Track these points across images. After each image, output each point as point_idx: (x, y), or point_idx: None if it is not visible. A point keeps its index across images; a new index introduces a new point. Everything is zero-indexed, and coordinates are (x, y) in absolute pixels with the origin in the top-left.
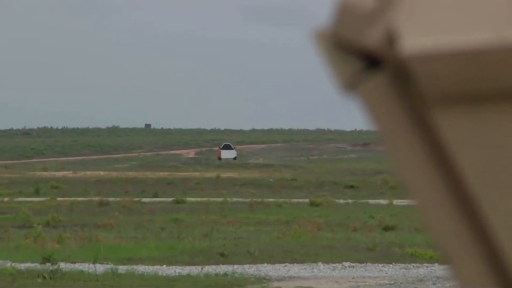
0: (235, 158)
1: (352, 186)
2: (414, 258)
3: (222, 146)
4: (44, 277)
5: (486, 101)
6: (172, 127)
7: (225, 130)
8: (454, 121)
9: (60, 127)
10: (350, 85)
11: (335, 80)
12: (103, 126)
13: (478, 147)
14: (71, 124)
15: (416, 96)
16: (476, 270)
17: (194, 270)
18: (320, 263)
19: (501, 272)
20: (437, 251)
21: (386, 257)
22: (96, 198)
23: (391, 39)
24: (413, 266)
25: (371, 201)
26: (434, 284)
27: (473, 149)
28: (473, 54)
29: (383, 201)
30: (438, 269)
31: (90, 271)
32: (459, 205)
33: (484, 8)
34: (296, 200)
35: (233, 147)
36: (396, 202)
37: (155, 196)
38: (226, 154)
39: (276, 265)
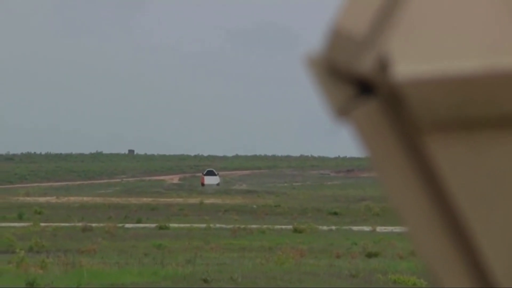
0: (218, 184)
1: (335, 213)
2: (397, 284)
3: (205, 172)
4: None
5: (478, 128)
6: (155, 153)
7: (208, 156)
8: (446, 148)
9: (43, 153)
10: (343, 111)
11: (327, 106)
12: (87, 152)
13: (471, 173)
14: (54, 150)
15: (408, 122)
16: None
17: None
18: None
19: None
20: (428, 276)
21: (369, 284)
22: (79, 224)
23: (383, 65)
24: None
25: (355, 228)
26: None
27: (465, 175)
28: (465, 80)
29: (366, 228)
30: None
31: None
32: (451, 230)
33: (476, 34)
34: (279, 226)
35: (216, 173)
36: (379, 229)
37: (139, 222)
38: (210, 180)
39: None
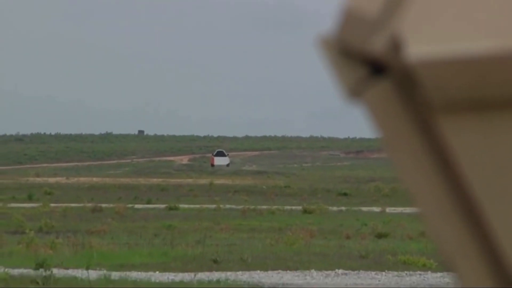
0: (228, 165)
1: (345, 194)
2: (407, 266)
3: (215, 152)
4: (37, 283)
5: (491, 109)
6: (165, 134)
7: (218, 137)
8: (459, 129)
9: (53, 133)
10: (355, 92)
11: (339, 87)
12: (97, 133)
13: (483, 154)
14: (64, 130)
15: (421, 103)
16: (479, 275)
17: (187, 277)
18: (313, 270)
19: (503, 277)
20: (441, 257)
21: (379, 265)
22: (89, 204)
23: (396, 46)
24: (406, 274)
25: (364, 209)
26: None
27: (478, 156)
28: (478, 61)
29: (376, 209)
30: (431, 277)
31: (83, 277)
32: (463, 212)
33: (489, 15)
34: (289, 207)
35: (226, 153)
36: (389, 209)
37: (148, 202)
38: (219, 161)
39: (269, 272)
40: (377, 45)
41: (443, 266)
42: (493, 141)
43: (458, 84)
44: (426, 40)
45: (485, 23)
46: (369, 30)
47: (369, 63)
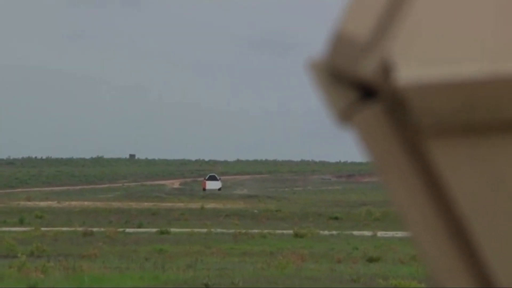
0: (219, 189)
1: (336, 218)
2: None
3: (207, 177)
4: None
5: (481, 133)
6: (156, 158)
7: (209, 160)
8: (449, 152)
9: (44, 157)
10: (345, 116)
11: (330, 111)
12: (88, 156)
13: (473, 178)
14: (55, 154)
15: (411, 127)
16: None
17: None
18: None
19: None
20: (430, 281)
21: None
22: (80, 228)
23: (386, 69)
24: None
25: (356, 233)
26: None
27: (468, 180)
28: (469, 85)
29: (367, 233)
30: None
31: None
32: (452, 235)
33: (480, 39)
34: (280, 231)
35: (218, 178)
36: (380, 233)
37: (140, 226)
38: (211, 185)
39: None
40: (367, 68)
41: None
42: (482, 165)
43: (448, 108)
44: (416, 63)
45: (475, 46)
46: (359, 54)
47: (359, 87)
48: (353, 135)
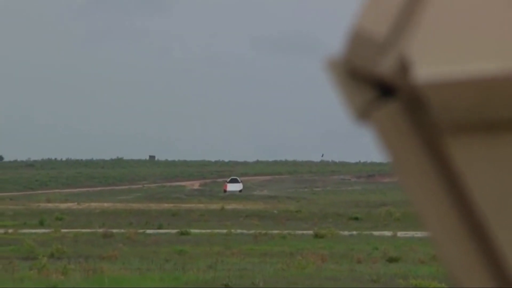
0: (240, 191)
1: (356, 218)
2: None
3: (229, 180)
4: None
5: (499, 130)
6: (176, 159)
7: (229, 162)
8: (467, 150)
9: (64, 159)
10: (363, 114)
11: (348, 109)
12: (107, 158)
13: (492, 175)
14: (75, 156)
15: (429, 124)
16: None
17: None
18: None
19: None
20: (450, 281)
21: None
22: (100, 230)
23: (404, 67)
24: None
25: (375, 233)
26: None
27: (486, 177)
28: (487, 82)
29: (387, 233)
30: None
31: None
32: (472, 234)
33: (497, 36)
34: (300, 231)
35: (239, 180)
36: (400, 234)
37: (160, 227)
38: (232, 187)
39: None
40: (385, 66)
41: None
42: (501, 162)
43: (466, 105)
44: (434, 61)
45: (494, 43)
46: (377, 52)
47: (377, 85)
48: (372, 133)
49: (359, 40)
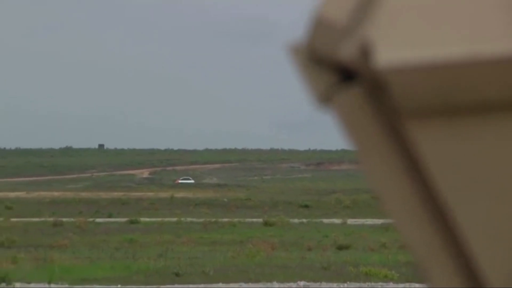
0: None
1: (306, 206)
2: (368, 277)
3: (181, 178)
4: None
5: (461, 114)
6: (125, 147)
7: (178, 150)
8: (429, 134)
9: (13, 148)
10: (325, 99)
11: (310, 94)
12: (56, 147)
13: (453, 160)
14: (24, 145)
15: (391, 109)
16: (450, 280)
17: None
18: (275, 283)
19: (474, 282)
20: (415, 266)
21: (341, 276)
22: (50, 219)
23: (365, 52)
24: (368, 285)
25: (325, 221)
26: None
27: (448, 162)
28: (448, 67)
29: (337, 221)
30: None
31: None
32: (434, 218)
33: (460, 20)
34: (250, 219)
35: (191, 179)
36: (350, 221)
37: (109, 216)
38: (183, 181)
39: (231, 284)
40: (347, 51)
41: (405, 277)
42: (463, 147)
43: (427, 90)
44: (395, 46)
45: (456, 28)
46: (339, 37)
47: (339, 70)
48: (333, 118)
49: (320, 26)
